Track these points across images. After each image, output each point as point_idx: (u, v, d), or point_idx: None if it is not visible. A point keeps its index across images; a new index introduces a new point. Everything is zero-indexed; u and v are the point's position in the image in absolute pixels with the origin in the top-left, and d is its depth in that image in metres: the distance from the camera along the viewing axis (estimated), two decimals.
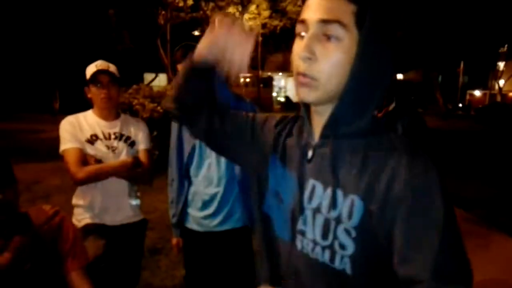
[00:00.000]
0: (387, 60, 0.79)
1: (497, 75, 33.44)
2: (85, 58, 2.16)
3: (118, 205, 2.13)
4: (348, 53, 0.75)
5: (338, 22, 0.74)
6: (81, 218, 2.08)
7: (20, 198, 1.53)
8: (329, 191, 0.79)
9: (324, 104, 0.81)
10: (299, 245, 0.84)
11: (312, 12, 0.76)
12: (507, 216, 4.93)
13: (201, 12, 19.62)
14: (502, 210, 5.25)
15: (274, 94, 35.27)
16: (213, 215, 1.99)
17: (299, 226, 0.84)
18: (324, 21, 0.74)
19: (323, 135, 0.83)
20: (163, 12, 18.99)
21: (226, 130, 1.00)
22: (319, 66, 0.76)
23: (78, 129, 2.07)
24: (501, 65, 32.83)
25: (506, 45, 28.55)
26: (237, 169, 1.94)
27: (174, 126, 2.08)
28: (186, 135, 2.01)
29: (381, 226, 0.73)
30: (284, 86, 36.75)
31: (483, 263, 2.14)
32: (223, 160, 1.94)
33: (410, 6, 17.95)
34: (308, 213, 0.82)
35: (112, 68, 2.12)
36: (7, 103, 20.84)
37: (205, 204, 2.00)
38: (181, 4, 18.61)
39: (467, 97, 40.91)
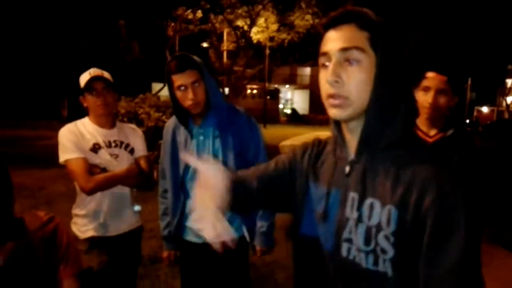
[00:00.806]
0: (403, 75, 0.91)
1: (505, 92, 33.31)
2: (95, 67, 2.14)
3: (123, 212, 2.13)
4: (369, 73, 0.87)
5: (356, 48, 0.86)
6: (84, 229, 2.06)
7: (23, 204, 1.54)
8: (367, 202, 0.88)
9: (355, 120, 0.91)
10: (344, 253, 0.92)
11: (332, 44, 0.89)
12: (510, 234, 4.87)
13: (210, 24, 19.86)
14: (505, 228, 5.19)
15: (281, 106, 35.38)
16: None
17: (345, 235, 0.92)
18: (344, 49, 0.87)
19: (358, 151, 0.93)
20: (172, 24, 19.26)
21: (267, 197, 1.14)
22: (346, 87, 0.87)
23: (81, 138, 2.05)
24: (509, 82, 32.71)
25: None
26: None
27: (167, 136, 2.04)
28: (181, 144, 1.98)
29: (415, 232, 0.82)
30: (290, 99, 36.88)
31: (486, 280, 2.10)
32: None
33: (419, 22, 18.02)
34: (352, 222, 0.91)
35: (106, 74, 2.10)
36: (16, 110, 21.10)
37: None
38: (190, 16, 18.87)
39: (475, 113, 40.73)
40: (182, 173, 1.96)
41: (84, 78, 2.05)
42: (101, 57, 16.95)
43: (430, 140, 1.93)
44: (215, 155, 1.90)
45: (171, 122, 2.04)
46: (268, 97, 30.89)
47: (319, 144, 1.10)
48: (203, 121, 1.93)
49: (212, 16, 19.55)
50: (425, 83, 1.88)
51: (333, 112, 0.90)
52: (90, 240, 2.03)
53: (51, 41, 20.47)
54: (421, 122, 1.94)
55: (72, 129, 2.07)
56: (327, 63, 0.90)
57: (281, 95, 35.72)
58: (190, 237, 2.01)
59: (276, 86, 34.34)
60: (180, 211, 1.99)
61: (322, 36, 0.92)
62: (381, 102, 0.88)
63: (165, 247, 2.12)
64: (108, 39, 19.25)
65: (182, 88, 1.83)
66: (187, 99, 1.83)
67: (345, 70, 0.87)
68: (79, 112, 2.20)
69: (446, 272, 0.77)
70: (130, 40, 19.18)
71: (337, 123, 0.98)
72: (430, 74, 1.88)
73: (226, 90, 20.99)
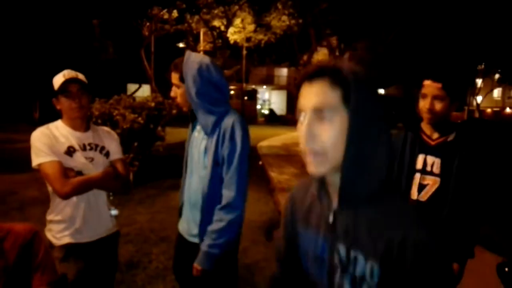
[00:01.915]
0: (377, 127, 0.92)
1: (475, 92, 34.39)
2: (68, 68, 2.09)
3: (99, 216, 2.08)
4: (341, 127, 0.89)
5: (328, 107, 0.89)
6: (60, 235, 1.99)
7: None
8: (352, 255, 0.93)
9: (335, 173, 0.93)
10: None
11: (305, 101, 0.93)
12: (484, 228, 5.01)
13: (186, 24, 19.73)
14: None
15: (258, 106, 35.46)
16: (194, 225, 1.96)
17: (337, 279, 0.97)
18: (316, 109, 0.90)
19: (340, 204, 0.96)
20: (147, 24, 19.04)
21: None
22: (321, 142, 0.90)
23: (55, 141, 1.99)
24: (479, 82, 33.80)
25: (483, 63, 29.41)
26: (211, 181, 1.90)
27: (189, 131, 2.11)
28: (189, 141, 2.07)
29: (397, 284, 0.87)
30: (268, 99, 37.01)
31: (464, 276, 2.16)
32: (201, 174, 1.91)
33: (390, 23, 18.39)
34: (339, 270, 0.96)
35: (81, 76, 2.05)
36: None
37: (187, 214, 1.99)
38: (166, 16, 18.70)
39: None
40: (184, 167, 2.06)
41: (58, 80, 1.99)
42: (74, 58, 16.57)
43: (433, 143, 2.08)
44: (201, 157, 1.94)
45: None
46: (246, 97, 30.90)
47: (297, 193, 1.15)
48: (197, 123, 2.01)
49: (188, 16, 19.45)
50: (423, 90, 2.04)
51: (311, 170, 0.92)
52: (66, 247, 1.98)
53: (22, 42, 19.87)
54: (425, 126, 2.11)
55: (45, 132, 2.00)
56: (302, 119, 0.94)
57: (258, 95, 35.79)
58: (181, 231, 2.07)
59: (253, 86, 34.39)
60: (180, 207, 2.09)
61: (299, 89, 0.96)
62: (354, 158, 0.89)
63: None
64: (81, 39, 18.83)
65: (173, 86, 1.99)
66: (171, 96, 2.00)
67: (318, 127, 0.90)
68: (51, 115, 2.13)
69: None
70: (104, 39, 18.83)
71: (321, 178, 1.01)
72: (426, 82, 2.02)
73: None
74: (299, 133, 0.94)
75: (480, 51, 24.05)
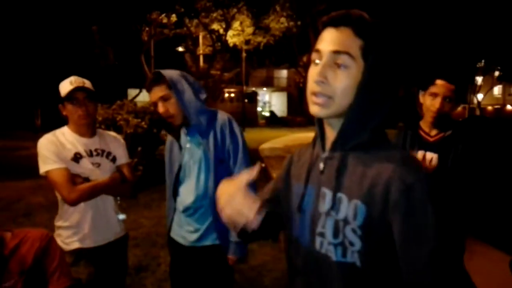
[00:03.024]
0: (388, 86, 0.93)
1: (475, 90, 34.35)
2: (68, 74, 2.09)
3: (108, 221, 2.11)
4: (354, 79, 0.90)
5: (347, 53, 0.89)
6: (69, 241, 2.02)
7: (1, 217, 1.52)
8: (336, 196, 0.93)
9: (336, 118, 0.94)
10: (317, 246, 0.96)
11: (326, 43, 0.91)
12: (490, 227, 5.01)
13: (185, 28, 19.76)
14: (484, 222, 5.34)
15: (259, 109, 35.47)
16: (194, 229, 1.99)
17: (319, 229, 0.96)
18: (336, 52, 0.89)
19: (333, 148, 0.97)
20: (147, 29, 19.04)
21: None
22: (331, 88, 0.90)
23: (61, 148, 2.01)
24: (479, 79, 33.76)
25: (483, 60, 29.39)
26: (216, 182, 1.92)
27: (167, 146, 2.13)
28: (175, 155, 2.05)
29: (382, 226, 0.86)
30: (268, 101, 37.01)
31: (469, 275, 2.16)
32: (203, 177, 1.94)
33: (388, 22, 18.38)
34: (323, 217, 0.95)
35: (88, 84, 2.07)
36: None
37: (187, 218, 2.01)
38: (165, 20, 18.71)
39: None
40: (173, 182, 2.02)
41: (65, 87, 2.01)
42: (75, 64, 16.61)
43: (431, 139, 2.13)
44: (199, 163, 1.95)
45: (170, 136, 2.10)
46: (246, 100, 30.91)
47: (300, 150, 1.17)
48: (189, 131, 1.98)
49: (187, 20, 19.46)
50: (433, 89, 2.04)
51: (313, 109, 0.93)
52: (76, 252, 2.00)
53: (22, 49, 19.92)
54: (424, 124, 2.15)
55: (52, 139, 2.02)
56: (317, 61, 0.93)
57: (259, 98, 35.81)
58: (178, 238, 2.06)
59: (253, 89, 34.41)
60: (171, 217, 2.09)
61: (320, 33, 0.95)
62: (361, 108, 0.91)
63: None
64: (81, 45, 18.87)
65: (155, 104, 1.92)
66: (162, 113, 1.91)
67: (332, 72, 0.90)
68: (53, 121, 2.15)
69: (421, 270, 0.82)
70: (104, 45, 18.86)
71: (319, 120, 1.02)
72: (439, 82, 2.03)
73: None
74: (311, 75, 0.93)
75: (480, 48, 24.04)
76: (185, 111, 1.90)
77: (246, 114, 26.92)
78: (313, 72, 0.93)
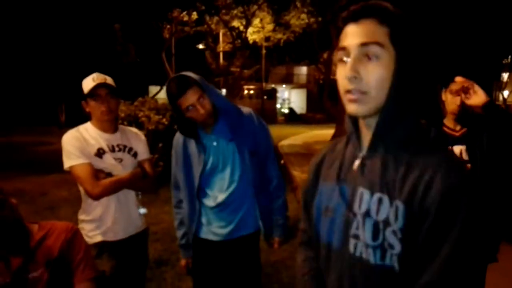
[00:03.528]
0: (422, 72, 0.89)
1: (501, 86, 33.41)
2: (91, 71, 2.13)
3: (129, 215, 2.15)
4: (388, 69, 0.86)
5: (376, 43, 0.85)
6: (92, 234, 2.06)
7: (25, 211, 1.56)
8: (376, 197, 0.88)
9: (373, 116, 0.90)
10: (351, 249, 0.92)
11: (351, 38, 0.87)
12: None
13: (206, 26, 19.85)
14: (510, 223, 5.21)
15: (278, 105, 35.39)
16: (228, 222, 2.01)
17: (353, 231, 0.92)
18: (364, 44, 0.85)
19: (372, 146, 0.92)
20: (168, 26, 19.24)
21: None
22: (365, 83, 0.86)
23: (85, 144, 2.05)
24: (505, 76, 32.82)
25: (510, 56, 28.57)
26: (249, 173, 1.97)
27: (178, 148, 2.06)
28: (194, 155, 2.00)
29: (421, 229, 0.82)
30: (287, 98, 36.89)
31: (497, 276, 2.13)
32: (238, 172, 1.96)
33: (412, 15, 18.03)
34: (359, 218, 0.90)
35: (109, 80, 2.10)
36: (14, 117, 21.05)
37: (218, 213, 2.01)
38: (185, 18, 18.86)
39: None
40: (197, 182, 1.99)
41: (88, 84, 2.05)
42: (98, 61, 16.93)
43: (457, 134, 2.14)
44: (232, 159, 1.98)
45: (180, 134, 2.06)
46: (265, 97, 30.91)
47: (326, 151, 1.12)
48: (214, 129, 1.97)
49: (207, 18, 19.55)
50: (453, 86, 2.04)
51: (351, 108, 0.89)
52: (99, 245, 2.05)
53: (47, 46, 20.42)
54: (448, 121, 2.17)
55: (76, 135, 2.07)
56: (345, 58, 0.89)
57: (278, 94, 35.73)
58: (207, 235, 2.05)
59: (273, 86, 34.35)
60: (196, 221, 2.05)
61: (341, 30, 0.91)
62: (399, 99, 0.87)
63: (183, 255, 2.17)
64: (104, 43, 19.21)
65: (191, 108, 1.87)
66: (199, 115, 1.88)
67: (364, 65, 0.86)
68: (77, 117, 2.20)
69: (436, 268, 0.79)
70: (126, 43, 19.16)
71: (354, 119, 0.97)
72: (459, 79, 2.01)
73: (224, 91, 20.99)
74: (341, 73, 0.89)
75: (506, 44, 23.34)
76: (218, 106, 1.92)
77: (265, 111, 26.91)
78: (343, 70, 0.89)
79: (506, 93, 34.18)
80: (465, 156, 2.07)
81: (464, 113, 2.07)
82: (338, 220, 0.96)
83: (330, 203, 0.99)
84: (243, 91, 31.07)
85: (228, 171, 1.98)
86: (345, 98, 0.90)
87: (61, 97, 21.43)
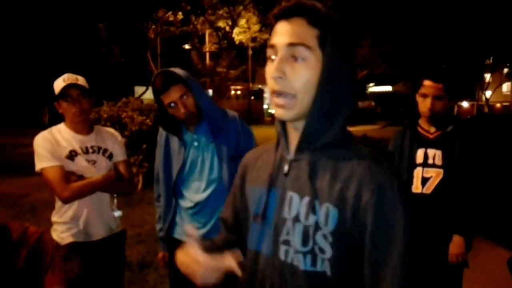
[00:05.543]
0: (349, 76, 0.88)
1: (483, 87, 34.03)
2: (75, 72, 2.10)
3: (103, 218, 2.11)
4: (314, 71, 0.84)
5: (303, 45, 0.83)
6: (64, 235, 2.04)
7: (6, 213, 1.52)
8: (305, 200, 0.86)
9: (300, 119, 0.88)
10: (282, 256, 0.89)
11: (280, 37, 0.86)
12: (495, 224, 4.97)
13: (191, 26, 19.73)
14: (489, 219, 5.30)
15: (265, 106, 35.44)
16: (203, 225, 1.98)
17: (283, 237, 0.89)
18: (291, 44, 0.84)
19: (299, 149, 0.91)
20: (153, 26, 19.07)
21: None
22: (291, 83, 0.84)
23: (56, 146, 2.01)
24: (488, 76, 33.43)
25: (491, 57, 29.09)
26: (226, 178, 1.93)
27: (160, 142, 2.06)
28: (174, 151, 2.00)
29: (355, 230, 0.81)
30: None
31: (475, 273, 2.16)
32: (215, 175, 1.94)
33: (395, 19, 18.28)
34: (289, 223, 0.88)
35: (81, 80, 2.06)
36: None
37: (193, 215, 2.00)
38: (171, 18, 18.72)
39: (455, 108, 41.47)
40: (174, 179, 1.99)
41: (58, 85, 2.01)
42: (82, 62, 16.73)
43: (431, 136, 2.14)
44: (210, 161, 1.95)
45: (163, 131, 2.06)
46: (252, 97, 30.93)
47: (254, 153, 1.10)
48: (197, 128, 1.96)
49: (193, 18, 19.44)
50: (422, 90, 2.08)
51: (278, 113, 0.88)
52: (70, 246, 2.02)
53: (30, 46, 20.09)
54: (422, 121, 2.18)
55: (47, 137, 2.03)
56: (273, 57, 0.87)
57: (265, 95, 35.78)
58: (180, 236, 2.04)
59: (260, 86, 34.39)
60: (171, 216, 2.04)
61: (273, 26, 0.89)
62: (324, 102, 0.85)
63: (161, 248, 2.17)
64: (88, 43, 18.98)
65: (172, 105, 1.86)
66: (180, 113, 1.86)
67: (290, 66, 0.84)
68: (60, 119, 2.16)
69: (392, 270, 0.77)
70: (110, 43, 18.94)
71: (282, 121, 0.95)
72: (426, 82, 2.08)
73: (210, 91, 20.91)
74: (268, 72, 0.88)
75: (488, 45, 23.79)
76: (202, 108, 1.89)
77: (252, 112, 26.91)
78: (269, 69, 0.87)
79: (488, 93, 34.82)
80: (438, 161, 2.08)
81: (439, 116, 2.09)
82: (268, 226, 0.93)
83: (258, 208, 0.96)
84: (230, 91, 31.02)
85: (205, 173, 1.96)
86: (272, 101, 0.89)
87: (44, 98, 21.08)
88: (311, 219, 0.84)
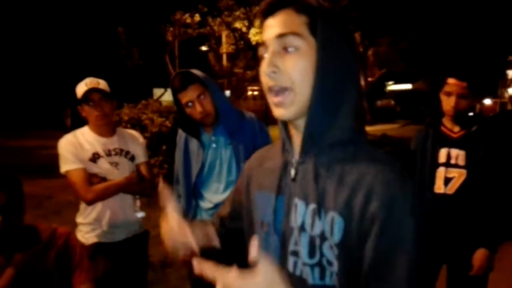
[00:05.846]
0: (347, 61, 0.82)
1: (506, 84, 33.18)
2: (96, 75, 2.16)
3: (125, 219, 2.16)
4: (309, 60, 0.79)
5: (293, 33, 0.78)
6: (88, 236, 2.10)
7: (32, 214, 1.58)
8: (310, 208, 0.79)
9: (301, 118, 0.82)
10: (291, 267, 0.83)
11: (269, 31, 0.81)
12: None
13: (208, 28, 19.87)
14: None
15: None
16: None
17: (291, 247, 0.82)
18: (281, 35, 0.79)
19: (304, 150, 0.84)
20: (171, 29, 19.29)
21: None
22: (286, 76, 0.79)
23: (80, 149, 2.07)
24: (510, 73, 32.58)
25: None
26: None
27: (180, 143, 2.10)
28: (193, 153, 2.03)
29: (360, 241, 0.74)
30: None
31: (494, 271, 2.13)
32: (233, 177, 1.96)
33: (414, 16, 18.00)
34: (296, 233, 0.81)
35: (102, 84, 2.11)
36: (19, 121, 21.18)
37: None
38: (188, 20, 18.90)
39: (478, 106, 40.54)
40: (194, 180, 2.01)
41: (80, 89, 2.06)
42: (101, 65, 17.02)
43: (455, 136, 2.11)
44: (228, 163, 1.96)
45: (183, 133, 2.08)
46: None
47: (261, 154, 1.04)
48: (215, 130, 1.98)
49: (210, 19, 19.56)
50: (446, 88, 2.04)
51: (277, 112, 0.82)
52: (94, 246, 2.08)
53: (51, 50, 20.55)
54: (446, 120, 2.14)
55: (71, 139, 2.09)
56: (265, 55, 0.82)
57: None
58: None
59: None
60: (191, 216, 2.06)
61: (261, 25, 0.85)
62: (324, 92, 0.79)
63: None
64: (108, 46, 19.30)
65: (190, 104, 1.89)
66: (196, 113, 1.89)
67: (283, 59, 0.79)
68: (82, 121, 2.21)
69: (397, 285, 0.70)
70: (129, 46, 19.23)
71: (284, 122, 0.89)
72: (451, 80, 2.03)
73: (227, 92, 21.00)
74: (261, 71, 0.82)
75: (511, 41, 23.18)
76: (219, 109, 1.91)
77: (270, 112, 26.82)
78: (262, 67, 0.81)
79: (511, 90, 33.93)
80: (460, 162, 2.04)
81: (464, 115, 2.06)
82: (275, 235, 0.86)
83: (265, 215, 0.90)
84: (247, 92, 31.04)
85: (224, 174, 1.98)
86: (270, 100, 0.83)
87: (67, 100, 21.51)
88: (317, 229, 0.77)
